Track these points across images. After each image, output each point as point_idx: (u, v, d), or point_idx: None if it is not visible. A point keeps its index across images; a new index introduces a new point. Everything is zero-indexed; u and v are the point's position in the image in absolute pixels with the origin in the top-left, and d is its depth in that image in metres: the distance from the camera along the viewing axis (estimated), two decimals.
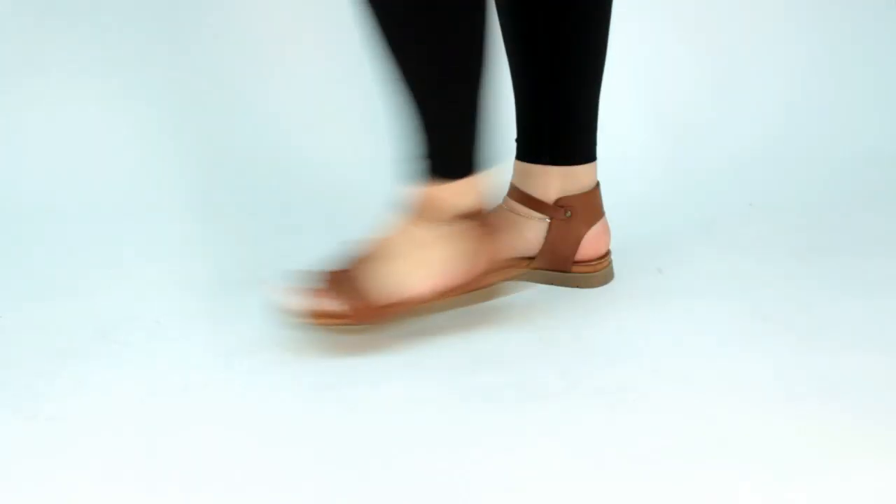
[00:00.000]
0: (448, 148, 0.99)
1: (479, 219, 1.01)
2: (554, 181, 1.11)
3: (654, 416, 0.86)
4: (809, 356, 0.95)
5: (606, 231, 1.14)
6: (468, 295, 1.02)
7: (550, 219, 1.12)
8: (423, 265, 0.99)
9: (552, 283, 1.14)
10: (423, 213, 0.99)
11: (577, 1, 1.07)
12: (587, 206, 1.12)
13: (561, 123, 1.11)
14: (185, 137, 1.55)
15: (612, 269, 1.15)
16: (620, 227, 1.19)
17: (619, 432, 0.84)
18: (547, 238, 1.12)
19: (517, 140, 1.14)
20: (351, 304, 0.97)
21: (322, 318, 0.97)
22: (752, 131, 1.63)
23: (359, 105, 1.58)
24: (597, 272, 1.13)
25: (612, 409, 0.87)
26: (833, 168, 1.54)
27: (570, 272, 1.13)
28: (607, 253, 1.15)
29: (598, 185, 1.14)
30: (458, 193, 0.99)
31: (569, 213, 1.11)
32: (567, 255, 1.13)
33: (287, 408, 0.89)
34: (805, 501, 0.74)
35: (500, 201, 1.15)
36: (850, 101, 1.68)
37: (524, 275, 1.15)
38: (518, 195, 1.13)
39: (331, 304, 0.97)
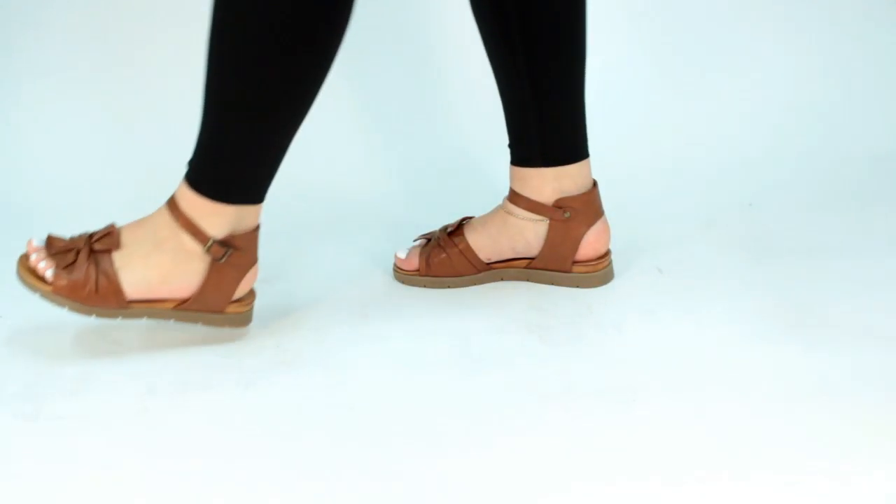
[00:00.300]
0: (209, 162, 0.96)
1: (233, 252, 0.97)
2: (548, 182, 1.11)
3: (654, 415, 0.86)
4: (810, 356, 0.95)
5: (606, 231, 1.14)
6: (185, 313, 0.99)
7: (549, 220, 1.12)
8: (137, 264, 0.96)
9: (552, 283, 1.14)
10: (171, 214, 0.97)
11: (549, 2, 1.06)
12: (586, 207, 1.12)
13: (546, 125, 1.10)
14: (184, 139, 1.55)
15: (612, 269, 1.15)
16: (620, 227, 1.19)
17: (619, 432, 0.84)
18: (546, 239, 1.12)
19: (510, 145, 1.14)
20: (61, 276, 0.94)
21: (27, 275, 0.95)
22: (752, 131, 1.63)
23: (358, 107, 1.58)
24: (597, 272, 1.13)
25: (611, 410, 0.87)
26: (833, 168, 1.54)
27: (570, 272, 1.13)
28: (607, 253, 1.15)
29: (596, 184, 1.14)
30: (202, 211, 0.96)
31: (568, 214, 1.11)
32: (567, 255, 1.13)
33: (288, 407, 0.89)
34: (805, 501, 0.74)
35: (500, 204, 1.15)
36: (851, 101, 1.68)
37: (524, 275, 1.15)
38: (516, 198, 1.13)
39: (44, 266, 0.95)
